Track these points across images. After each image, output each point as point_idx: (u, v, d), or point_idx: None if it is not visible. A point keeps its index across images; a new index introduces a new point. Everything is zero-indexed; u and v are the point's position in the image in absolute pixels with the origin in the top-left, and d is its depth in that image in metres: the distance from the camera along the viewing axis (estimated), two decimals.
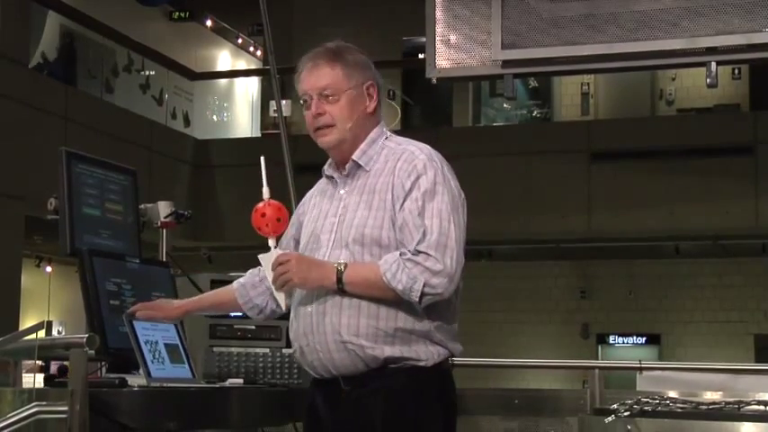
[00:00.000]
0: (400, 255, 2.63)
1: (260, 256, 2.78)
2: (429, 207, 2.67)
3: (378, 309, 2.66)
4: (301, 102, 2.82)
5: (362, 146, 2.79)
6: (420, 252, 2.62)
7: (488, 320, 15.21)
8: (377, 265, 2.64)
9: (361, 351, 2.65)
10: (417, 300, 2.62)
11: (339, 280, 2.64)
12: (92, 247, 3.29)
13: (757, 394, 3.59)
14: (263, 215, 2.74)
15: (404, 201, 2.68)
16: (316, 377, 2.77)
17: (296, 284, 2.69)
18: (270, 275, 2.73)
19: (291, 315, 2.82)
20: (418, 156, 2.73)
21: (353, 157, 2.79)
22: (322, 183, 2.93)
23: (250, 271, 3.03)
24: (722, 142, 12.31)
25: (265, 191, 2.78)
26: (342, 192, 2.79)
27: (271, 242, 2.75)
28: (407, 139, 2.84)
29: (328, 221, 2.78)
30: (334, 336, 2.66)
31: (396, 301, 2.65)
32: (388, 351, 2.65)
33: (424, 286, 2.59)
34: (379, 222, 2.69)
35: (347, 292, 2.65)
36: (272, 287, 2.75)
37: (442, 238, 2.63)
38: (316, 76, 2.78)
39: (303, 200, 2.97)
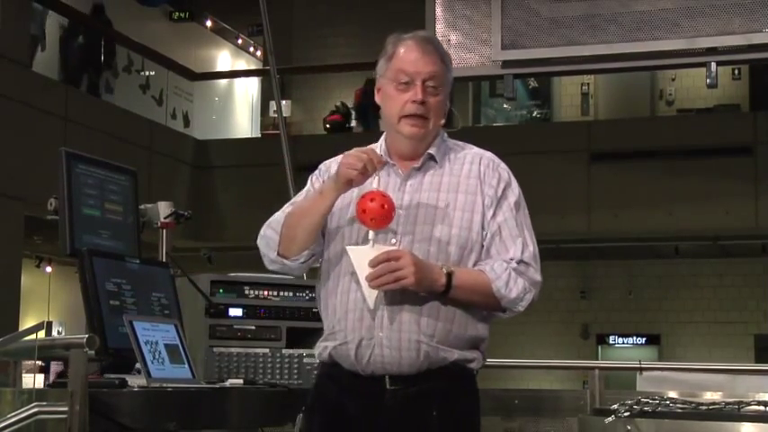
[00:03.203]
0: (507, 264, 2.62)
1: (350, 248, 2.59)
2: (520, 218, 2.70)
3: (454, 313, 2.62)
4: (399, 81, 2.66)
5: (436, 142, 2.73)
6: (523, 262, 2.64)
7: None
8: (480, 271, 2.62)
9: (434, 352, 2.60)
10: (521, 310, 2.65)
11: (448, 283, 2.57)
12: (92, 248, 3.28)
13: (757, 394, 3.59)
14: (383, 206, 2.53)
15: (496, 208, 2.68)
16: (353, 373, 2.62)
17: (410, 284, 2.53)
18: (364, 271, 2.54)
19: (343, 304, 2.63)
20: (499, 163, 2.76)
21: (430, 150, 2.71)
22: None
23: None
24: (722, 142, 12.30)
25: (376, 180, 2.59)
26: (407, 185, 2.67)
27: (371, 235, 2.56)
28: (463, 142, 2.81)
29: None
30: (410, 334, 2.58)
31: (467, 307, 2.63)
32: (457, 354, 2.63)
33: (532, 298, 2.64)
34: (467, 224, 2.65)
35: (448, 295, 2.58)
36: (365, 283, 2.54)
37: (536, 250, 2.68)
38: (426, 62, 2.66)
39: (327, 171, 2.76)
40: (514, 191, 2.73)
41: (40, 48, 11.85)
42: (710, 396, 3.91)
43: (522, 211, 2.71)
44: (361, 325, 2.60)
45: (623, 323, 15.82)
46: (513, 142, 13.12)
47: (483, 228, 2.66)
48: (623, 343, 15.94)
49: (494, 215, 2.67)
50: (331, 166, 2.78)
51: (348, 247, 2.59)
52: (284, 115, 6.07)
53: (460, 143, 2.81)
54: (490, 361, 2.80)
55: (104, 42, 12.70)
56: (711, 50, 5.03)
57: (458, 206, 2.65)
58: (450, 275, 2.57)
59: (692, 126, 13.24)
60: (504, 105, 16.51)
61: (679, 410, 2.99)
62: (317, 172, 2.82)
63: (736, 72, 15.40)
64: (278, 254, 2.70)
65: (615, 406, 3.01)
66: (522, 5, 5.19)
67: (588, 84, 16.24)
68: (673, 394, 3.62)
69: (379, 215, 2.52)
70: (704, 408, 2.98)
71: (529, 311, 2.69)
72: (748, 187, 12.13)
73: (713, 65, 5.03)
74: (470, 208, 2.66)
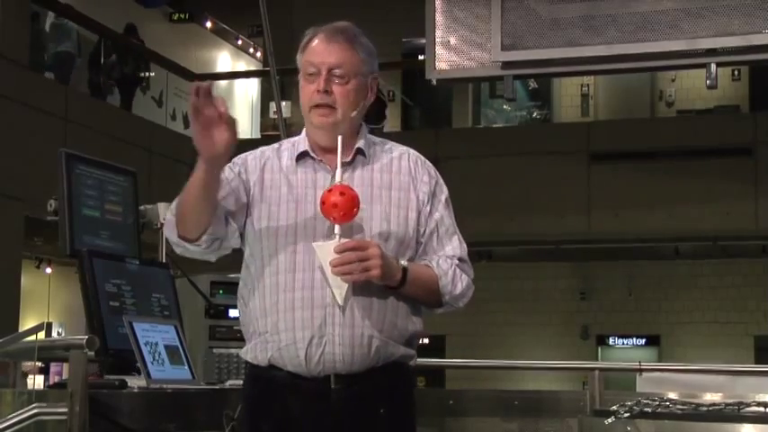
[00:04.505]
0: (451, 260, 2.66)
1: (317, 245, 2.52)
2: (451, 215, 2.72)
3: (397, 307, 2.60)
4: (306, 73, 2.65)
5: (361, 136, 2.70)
6: (462, 259, 2.68)
7: (488, 322, 15.21)
8: (428, 266, 2.64)
9: (384, 347, 2.57)
10: (461, 306, 2.69)
11: (403, 278, 2.56)
12: (91, 249, 3.29)
13: (757, 395, 3.59)
14: (354, 200, 2.48)
15: (431, 205, 2.68)
16: (294, 374, 2.56)
17: (376, 276, 2.50)
18: (329, 266, 2.48)
19: (288, 302, 2.57)
20: (425, 160, 2.75)
21: (359, 145, 2.67)
22: (285, 161, 2.70)
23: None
24: (722, 143, 12.31)
25: (338, 173, 2.55)
26: (337, 181, 2.58)
27: (337, 229, 2.50)
28: (383, 138, 2.81)
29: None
30: (363, 329, 2.55)
31: (408, 302, 2.63)
32: (402, 350, 2.63)
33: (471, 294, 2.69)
34: (403, 221, 2.64)
35: (397, 290, 2.57)
36: (333, 279, 2.49)
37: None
38: (331, 51, 2.66)
39: (244, 164, 2.69)
40: (443, 188, 2.73)
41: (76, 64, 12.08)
42: (710, 397, 3.91)
43: (451, 207, 2.73)
44: (313, 324, 2.54)
45: (623, 324, 15.82)
46: (512, 143, 13.13)
47: (419, 224, 2.66)
48: (623, 344, 15.94)
49: (430, 212, 2.68)
50: (247, 158, 2.74)
51: (314, 244, 2.53)
52: (284, 116, 6.05)
53: (380, 139, 2.78)
54: (491, 362, 2.81)
55: (136, 60, 13.07)
56: (711, 51, 5.04)
57: (392, 202, 2.64)
58: (405, 270, 2.57)
59: (692, 127, 13.25)
60: (504, 106, 16.51)
61: (679, 411, 3.00)
62: (230, 164, 2.71)
63: (736, 73, 15.41)
64: (178, 236, 2.59)
65: (615, 407, 3.01)
66: (522, 6, 5.20)
67: (588, 85, 16.25)
68: (672, 395, 3.62)
69: (349, 209, 2.49)
70: (704, 409, 2.98)
71: (529, 312, 2.70)
72: (748, 188, 12.14)
73: (713, 66, 5.04)
74: (405, 205, 2.65)
